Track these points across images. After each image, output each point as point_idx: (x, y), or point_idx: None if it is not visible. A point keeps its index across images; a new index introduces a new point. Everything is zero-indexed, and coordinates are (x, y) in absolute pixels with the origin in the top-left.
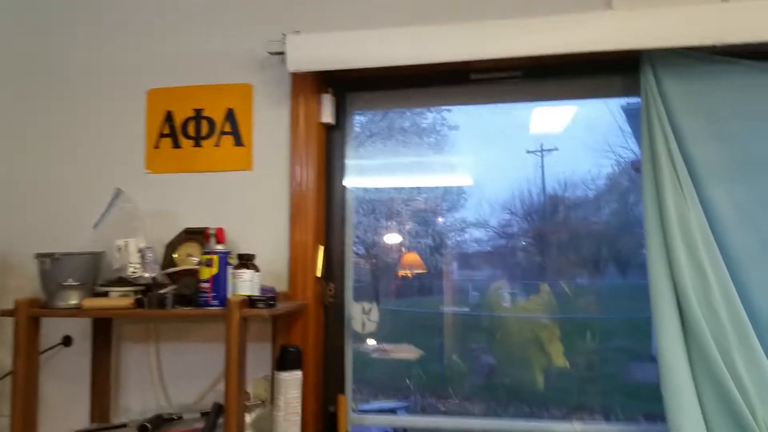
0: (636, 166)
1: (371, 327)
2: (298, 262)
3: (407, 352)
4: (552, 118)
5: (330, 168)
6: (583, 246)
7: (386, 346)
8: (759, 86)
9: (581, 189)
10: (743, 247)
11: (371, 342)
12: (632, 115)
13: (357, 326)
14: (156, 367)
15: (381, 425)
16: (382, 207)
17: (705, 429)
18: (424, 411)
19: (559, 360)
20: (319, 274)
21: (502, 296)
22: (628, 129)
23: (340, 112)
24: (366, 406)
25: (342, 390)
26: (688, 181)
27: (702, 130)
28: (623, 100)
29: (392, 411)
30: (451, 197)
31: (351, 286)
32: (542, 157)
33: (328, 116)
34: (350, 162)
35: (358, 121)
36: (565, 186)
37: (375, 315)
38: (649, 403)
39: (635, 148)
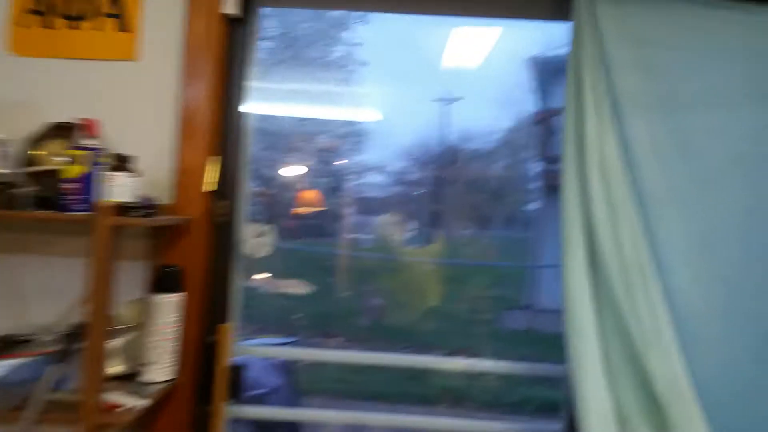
0: (537, 119)
1: (265, 252)
2: (185, 172)
3: (298, 287)
4: (461, 62)
5: (232, 69)
6: (476, 198)
7: (277, 281)
8: (698, 18)
9: (480, 141)
10: (653, 185)
11: (262, 275)
12: (541, 69)
13: (249, 250)
14: (12, 283)
15: (265, 356)
16: (282, 140)
17: (604, 372)
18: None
19: (435, 301)
20: (209, 188)
21: (396, 241)
22: (532, 84)
23: (247, 6)
24: (251, 342)
25: (226, 318)
26: (610, 112)
27: (631, 59)
28: (532, 52)
29: (280, 345)
30: (355, 138)
31: (245, 207)
32: (447, 105)
33: (232, 6)
34: (253, 84)
35: (265, 47)
36: (466, 137)
37: (270, 239)
38: (520, 347)
39: (533, 104)
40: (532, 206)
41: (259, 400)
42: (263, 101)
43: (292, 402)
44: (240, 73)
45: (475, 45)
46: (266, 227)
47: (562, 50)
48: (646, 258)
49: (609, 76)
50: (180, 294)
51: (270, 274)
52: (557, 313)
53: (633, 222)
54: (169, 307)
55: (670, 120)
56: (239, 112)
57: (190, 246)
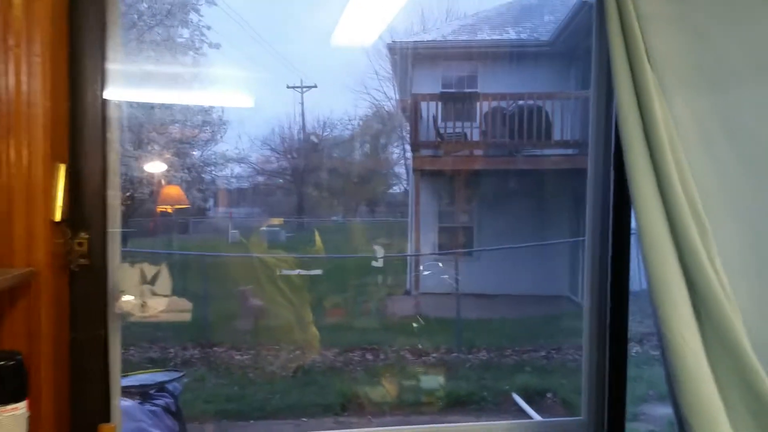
0: (403, 105)
1: (158, 307)
2: (12, 194)
3: (179, 309)
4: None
5: (81, 46)
6: (338, 185)
7: (150, 302)
8: None
9: (339, 128)
10: (697, 172)
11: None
12: (399, 56)
13: (132, 306)
14: None
15: None
16: (133, 130)
17: None
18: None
19: (308, 314)
20: (57, 217)
21: (265, 236)
22: (384, 72)
23: None
24: (125, 381)
25: (105, 414)
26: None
27: (667, 16)
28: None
29: (161, 385)
30: (212, 127)
31: (118, 238)
32: (302, 93)
33: None
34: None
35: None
36: (323, 125)
37: (164, 283)
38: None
39: (389, 91)
40: (396, 190)
41: None
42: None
43: None
44: (93, 52)
45: (328, 30)
46: (156, 267)
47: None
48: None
49: (644, 36)
50: (25, 401)
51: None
52: (437, 297)
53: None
54: (10, 427)
55: (714, 94)
56: (96, 103)
57: (34, 316)
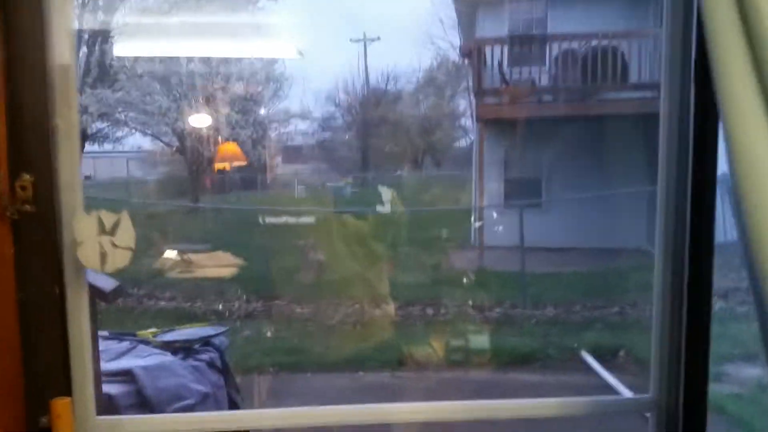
0: (465, 51)
1: (119, 261)
2: None
3: (222, 264)
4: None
5: None
6: (403, 139)
7: (193, 257)
8: None
9: (402, 81)
10: None
11: (170, 254)
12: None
13: (89, 259)
14: None
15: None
16: (186, 84)
17: None
18: (249, 322)
19: (383, 256)
20: None
21: (331, 192)
22: (448, 21)
23: None
24: (168, 336)
25: (64, 386)
26: None
27: None
28: None
29: (206, 340)
30: (272, 83)
31: (77, 180)
32: (365, 46)
33: None
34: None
35: None
36: (387, 78)
37: (126, 235)
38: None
39: (455, 40)
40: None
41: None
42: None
43: (230, 405)
44: None
45: None
46: (116, 215)
47: None
48: None
49: None
50: None
51: (182, 252)
52: (503, 250)
53: None
54: None
55: None
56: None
57: None
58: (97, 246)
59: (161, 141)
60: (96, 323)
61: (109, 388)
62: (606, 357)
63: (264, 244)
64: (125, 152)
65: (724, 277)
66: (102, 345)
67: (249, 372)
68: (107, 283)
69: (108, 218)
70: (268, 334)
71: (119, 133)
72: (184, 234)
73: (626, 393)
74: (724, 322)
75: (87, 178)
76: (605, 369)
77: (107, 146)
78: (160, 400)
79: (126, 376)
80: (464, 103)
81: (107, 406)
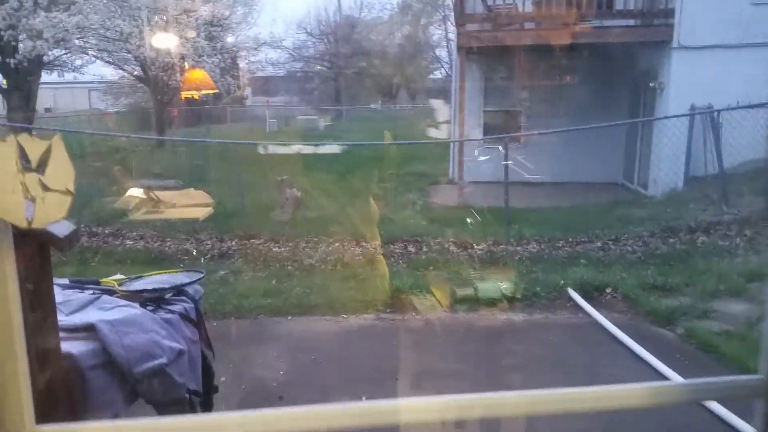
0: None
1: (52, 211)
2: None
3: (194, 204)
4: None
5: None
6: (376, 71)
7: (161, 194)
8: None
9: (377, 9)
10: None
11: (136, 192)
12: None
13: (4, 209)
14: None
15: None
16: (146, 8)
17: None
18: (219, 263)
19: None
20: None
21: (304, 125)
22: None
23: None
24: (136, 284)
25: None
26: None
27: None
28: None
29: (179, 288)
30: (242, 10)
31: None
32: None
33: None
34: None
35: None
36: (361, 5)
37: (61, 173)
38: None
39: None
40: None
41: (155, 375)
42: None
43: (204, 367)
44: None
45: None
46: (48, 141)
47: None
48: None
49: None
50: None
51: (149, 189)
52: (483, 185)
53: None
54: None
55: None
56: None
57: None
58: (19, 188)
59: (123, 69)
60: (50, 274)
61: (69, 346)
62: (593, 294)
63: (237, 179)
64: (87, 83)
65: (704, 211)
66: (60, 295)
67: (225, 316)
68: (61, 228)
69: (33, 146)
70: (244, 275)
71: (78, 61)
72: (151, 170)
73: (618, 333)
74: (707, 256)
75: (47, 110)
76: (592, 306)
77: (69, 77)
78: (128, 359)
79: (88, 331)
80: (440, 33)
81: (68, 366)
